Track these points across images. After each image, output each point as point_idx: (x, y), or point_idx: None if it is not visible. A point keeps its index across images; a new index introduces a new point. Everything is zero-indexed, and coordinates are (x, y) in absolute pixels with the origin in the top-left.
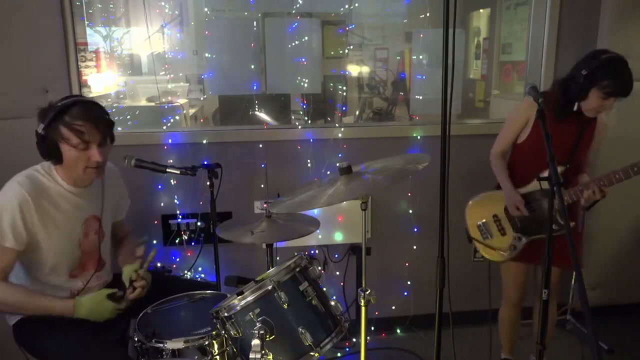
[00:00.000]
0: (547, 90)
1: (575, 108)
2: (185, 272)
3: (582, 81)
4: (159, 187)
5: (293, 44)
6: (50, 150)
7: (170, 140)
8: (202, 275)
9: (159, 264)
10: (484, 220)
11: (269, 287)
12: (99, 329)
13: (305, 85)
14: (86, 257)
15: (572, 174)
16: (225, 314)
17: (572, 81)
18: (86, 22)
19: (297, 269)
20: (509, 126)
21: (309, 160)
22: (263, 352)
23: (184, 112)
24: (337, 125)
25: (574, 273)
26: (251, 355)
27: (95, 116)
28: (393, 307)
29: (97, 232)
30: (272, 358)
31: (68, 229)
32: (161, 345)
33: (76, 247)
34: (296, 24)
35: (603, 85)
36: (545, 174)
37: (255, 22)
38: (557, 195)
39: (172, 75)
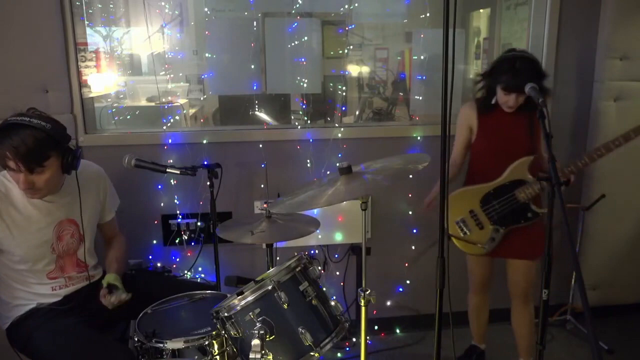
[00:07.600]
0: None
1: (493, 101)
2: (185, 272)
3: (487, 77)
4: (159, 187)
5: (293, 44)
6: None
7: (170, 140)
8: (202, 275)
9: (159, 264)
10: (461, 217)
11: (269, 287)
12: (99, 329)
13: (305, 85)
14: (64, 260)
15: (537, 164)
16: (225, 314)
17: (484, 78)
18: (86, 22)
19: (297, 269)
20: (456, 138)
21: (308, 160)
22: (263, 352)
23: (184, 112)
24: (336, 125)
25: (574, 273)
26: (251, 355)
27: (15, 146)
28: (393, 307)
29: (74, 236)
30: (272, 358)
31: (34, 231)
32: (161, 345)
33: (48, 251)
34: (296, 24)
35: (500, 80)
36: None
37: (255, 22)
38: (558, 195)
39: (172, 75)
